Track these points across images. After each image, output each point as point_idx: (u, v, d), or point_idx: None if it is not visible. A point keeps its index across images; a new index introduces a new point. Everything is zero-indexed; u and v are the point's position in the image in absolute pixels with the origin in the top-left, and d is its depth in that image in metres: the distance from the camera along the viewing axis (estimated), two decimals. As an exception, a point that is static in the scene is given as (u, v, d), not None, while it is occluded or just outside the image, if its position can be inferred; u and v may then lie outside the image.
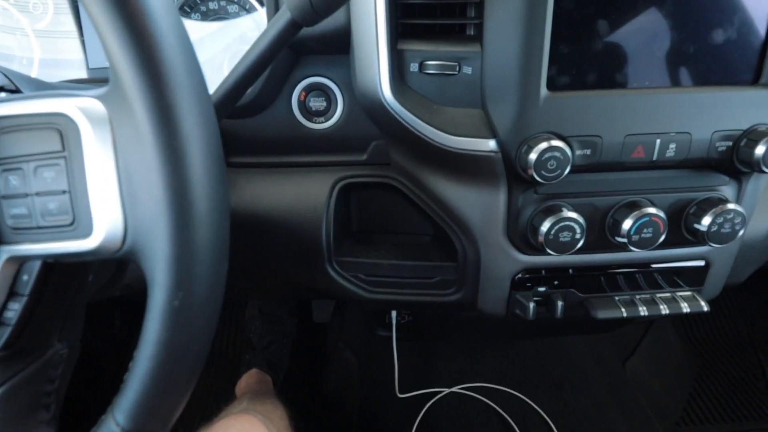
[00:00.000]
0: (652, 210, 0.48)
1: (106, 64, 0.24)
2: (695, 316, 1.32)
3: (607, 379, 1.01)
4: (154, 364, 0.27)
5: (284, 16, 0.38)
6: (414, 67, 0.48)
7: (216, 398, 1.16)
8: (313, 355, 1.24)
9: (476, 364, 0.99)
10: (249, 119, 0.56)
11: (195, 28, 0.57)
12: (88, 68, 0.60)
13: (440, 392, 0.94)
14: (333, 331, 1.22)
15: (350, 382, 1.10)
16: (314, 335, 1.26)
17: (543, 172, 0.44)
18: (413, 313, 0.91)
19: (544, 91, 0.44)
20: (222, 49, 0.58)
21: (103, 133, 0.27)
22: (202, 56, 0.56)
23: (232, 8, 0.57)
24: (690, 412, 1.19)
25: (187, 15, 0.57)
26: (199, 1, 0.57)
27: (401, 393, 0.89)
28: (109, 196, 0.26)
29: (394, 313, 0.86)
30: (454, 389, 0.95)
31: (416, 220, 0.65)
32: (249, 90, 0.53)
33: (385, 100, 0.48)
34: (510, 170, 0.48)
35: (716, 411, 1.18)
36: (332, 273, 0.58)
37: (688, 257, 0.55)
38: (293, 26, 0.38)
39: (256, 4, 0.57)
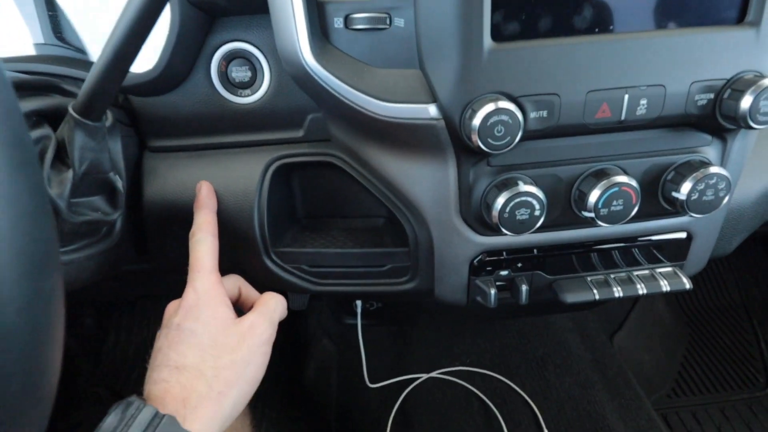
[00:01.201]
0: (622, 179, 0.42)
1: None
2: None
3: (593, 355, 0.97)
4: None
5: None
6: (338, 22, 0.41)
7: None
8: (291, 344, 1.19)
9: (454, 347, 0.95)
10: (164, 96, 0.49)
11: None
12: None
13: (417, 378, 0.89)
14: (311, 319, 1.17)
15: (329, 371, 1.05)
16: (291, 324, 1.21)
17: (489, 140, 0.37)
18: (374, 299, 0.85)
19: (488, 42, 0.37)
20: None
21: None
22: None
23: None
24: (681, 383, 1.16)
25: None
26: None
27: (373, 382, 0.84)
28: None
29: (358, 302, 0.80)
30: (432, 374, 0.90)
31: (368, 201, 0.58)
32: (156, 61, 0.46)
33: (307, 65, 0.41)
34: (456, 139, 0.41)
35: (708, 381, 1.14)
36: (271, 265, 0.52)
37: (668, 229, 0.49)
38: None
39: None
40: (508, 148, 0.38)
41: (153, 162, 0.52)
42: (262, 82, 0.49)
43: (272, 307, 0.46)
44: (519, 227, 0.42)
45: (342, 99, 0.41)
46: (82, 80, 0.49)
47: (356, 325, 0.83)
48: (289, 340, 1.18)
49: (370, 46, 0.41)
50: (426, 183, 0.45)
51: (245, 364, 0.41)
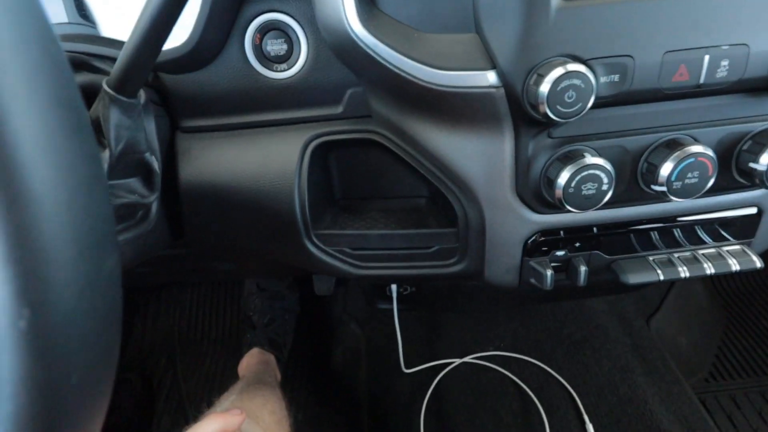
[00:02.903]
0: (697, 148, 0.38)
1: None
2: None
3: (630, 339, 0.94)
4: (15, 407, 0.19)
5: None
6: (387, -16, 0.38)
7: (221, 382, 1.12)
8: (318, 328, 1.18)
9: (488, 331, 0.92)
10: (196, 73, 0.47)
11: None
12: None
13: (451, 363, 0.88)
14: (337, 303, 1.16)
15: (357, 355, 1.04)
16: (318, 308, 1.20)
17: (559, 108, 0.34)
18: (415, 283, 0.83)
19: (555, 0, 0.34)
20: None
21: None
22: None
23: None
24: (719, 367, 1.12)
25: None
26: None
27: (408, 368, 0.82)
28: None
29: (394, 287, 0.78)
30: (465, 359, 0.88)
31: (409, 180, 0.56)
32: (189, 35, 0.43)
33: (353, 32, 0.38)
34: (516, 109, 0.38)
35: (747, 364, 1.11)
36: (312, 249, 0.50)
37: (738, 204, 0.46)
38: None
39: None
40: (579, 115, 0.35)
41: (186, 143, 0.50)
42: (298, 55, 0.46)
43: None
44: (584, 203, 0.39)
45: (391, 68, 0.38)
46: (110, 58, 0.47)
47: (387, 309, 0.81)
48: (315, 324, 1.17)
49: (421, 10, 0.38)
50: (478, 158, 0.42)
51: None
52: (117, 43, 0.48)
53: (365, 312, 1.06)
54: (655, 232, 0.48)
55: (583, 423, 0.79)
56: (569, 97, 0.34)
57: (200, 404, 1.18)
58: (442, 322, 0.96)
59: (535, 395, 0.82)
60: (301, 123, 0.49)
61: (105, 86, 0.37)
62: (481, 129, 0.41)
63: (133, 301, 1.28)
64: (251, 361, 1.03)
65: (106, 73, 0.45)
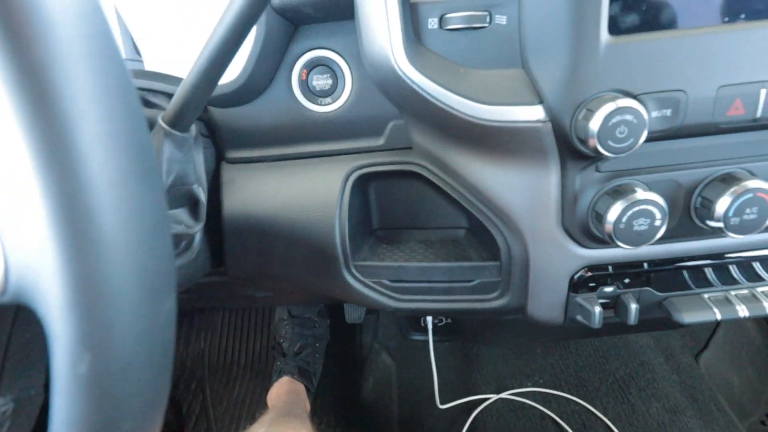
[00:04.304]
0: (755, 183, 0.37)
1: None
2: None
3: (679, 377, 0.89)
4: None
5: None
6: (433, 23, 0.39)
7: (250, 408, 1.12)
8: (348, 358, 1.16)
9: (526, 366, 0.89)
10: (244, 106, 0.48)
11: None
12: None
13: (487, 399, 0.85)
14: (368, 332, 1.15)
15: (388, 387, 1.02)
16: (348, 336, 1.19)
17: (610, 143, 0.34)
18: (454, 317, 0.82)
19: (605, 36, 0.33)
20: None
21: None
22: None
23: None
24: (776, 409, 1.04)
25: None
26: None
27: (443, 403, 0.80)
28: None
29: (429, 318, 0.77)
30: (502, 395, 0.85)
31: (448, 211, 0.55)
32: (240, 71, 0.45)
33: (399, 68, 0.38)
34: (563, 144, 0.37)
35: (808, 406, 1.02)
36: (351, 280, 0.50)
37: (800, 240, 0.43)
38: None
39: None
40: (630, 150, 0.34)
41: (231, 173, 0.51)
42: (342, 89, 0.47)
43: None
44: (636, 239, 0.38)
45: (436, 103, 0.39)
46: (165, 93, 0.49)
47: (421, 340, 0.80)
48: (346, 352, 1.16)
49: (467, 47, 0.39)
50: (523, 191, 0.42)
51: None
52: (170, 78, 0.50)
53: (397, 341, 1.05)
54: (710, 269, 0.46)
55: (630, 468, 0.75)
56: (621, 132, 0.33)
57: (228, 431, 1.17)
58: (477, 355, 0.93)
59: (577, 436, 0.78)
60: (343, 155, 0.50)
61: (161, 121, 0.39)
62: (527, 162, 0.40)
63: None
64: (281, 390, 1.02)
65: (160, 107, 0.47)
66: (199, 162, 0.45)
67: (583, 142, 0.35)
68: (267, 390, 1.07)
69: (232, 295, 0.71)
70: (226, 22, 0.33)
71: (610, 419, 0.80)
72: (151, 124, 0.41)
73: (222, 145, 0.52)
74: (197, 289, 0.72)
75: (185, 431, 1.10)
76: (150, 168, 0.19)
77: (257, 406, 1.15)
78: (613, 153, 0.34)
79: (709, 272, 0.46)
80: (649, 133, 0.35)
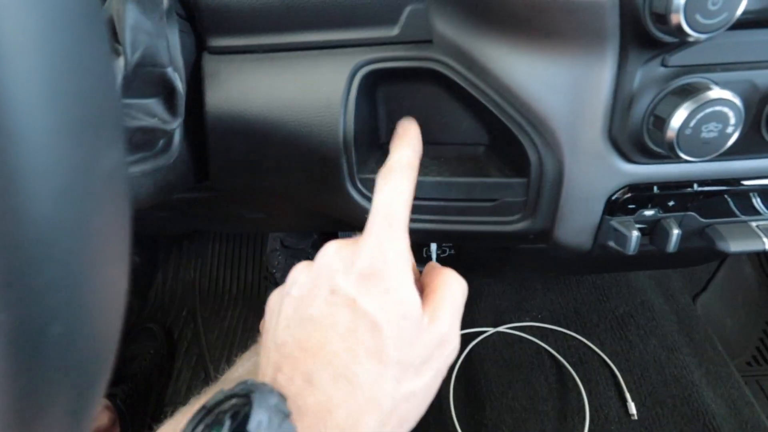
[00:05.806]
0: None
1: None
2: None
3: (677, 317, 0.87)
4: None
5: None
6: None
7: (242, 336, 1.10)
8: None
9: (525, 301, 0.86)
10: (229, -22, 0.39)
11: None
12: None
13: (484, 332, 0.82)
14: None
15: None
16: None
17: (699, 18, 0.26)
18: (455, 245, 0.77)
19: None
20: None
21: None
22: None
23: None
24: (763, 351, 1.06)
25: None
26: None
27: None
28: None
29: (433, 246, 0.72)
30: (500, 329, 0.83)
31: (466, 125, 0.48)
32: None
33: None
34: (629, 24, 0.30)
35: (794, 349, 1.04)
36: (356, 196, 0.44)
37: None
38: None
39: None
40: (723, 27, 0.27)
41: (215, 65, 0.43)
42: (351, -40, 0.38)
43: (460, 302, 0.31)
44: (702, 149, 0.32)
45: (472, -32, 0.31)
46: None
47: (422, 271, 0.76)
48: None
49: None
50: (566, 90, 0.35)
51: (425, 397, 0.27)
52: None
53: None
54: (757, 195, 0.40)
55: (625, 401, 0.74)
56: (714, 4, 0.26)
57: (220, 360, 1.16)
58: (476, 289, 0.90)
59: (574, 369, 0.77)
60: (349, 47, 0.42)
61: (122, -24, 0.30)
62: (576, 52, 0.33)
63: (155, 251, 1.25)
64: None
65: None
66: (174, 41, 0.37)
67: (661, 18, 0.28)
68: (260, 319, 1.04)
69: (221, 215, 0.65)
70: None
71: (607, 354, 0.79)
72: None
73: (203, 30, 0.43)
74: (181, 206, 0.65)
75: (177, 357, 1.09)
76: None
77: (250, 334, 1.13)
78: (701, 32, 0.27)
79: (756, 199, 0.41)
80: (743, 11, 0.27)
